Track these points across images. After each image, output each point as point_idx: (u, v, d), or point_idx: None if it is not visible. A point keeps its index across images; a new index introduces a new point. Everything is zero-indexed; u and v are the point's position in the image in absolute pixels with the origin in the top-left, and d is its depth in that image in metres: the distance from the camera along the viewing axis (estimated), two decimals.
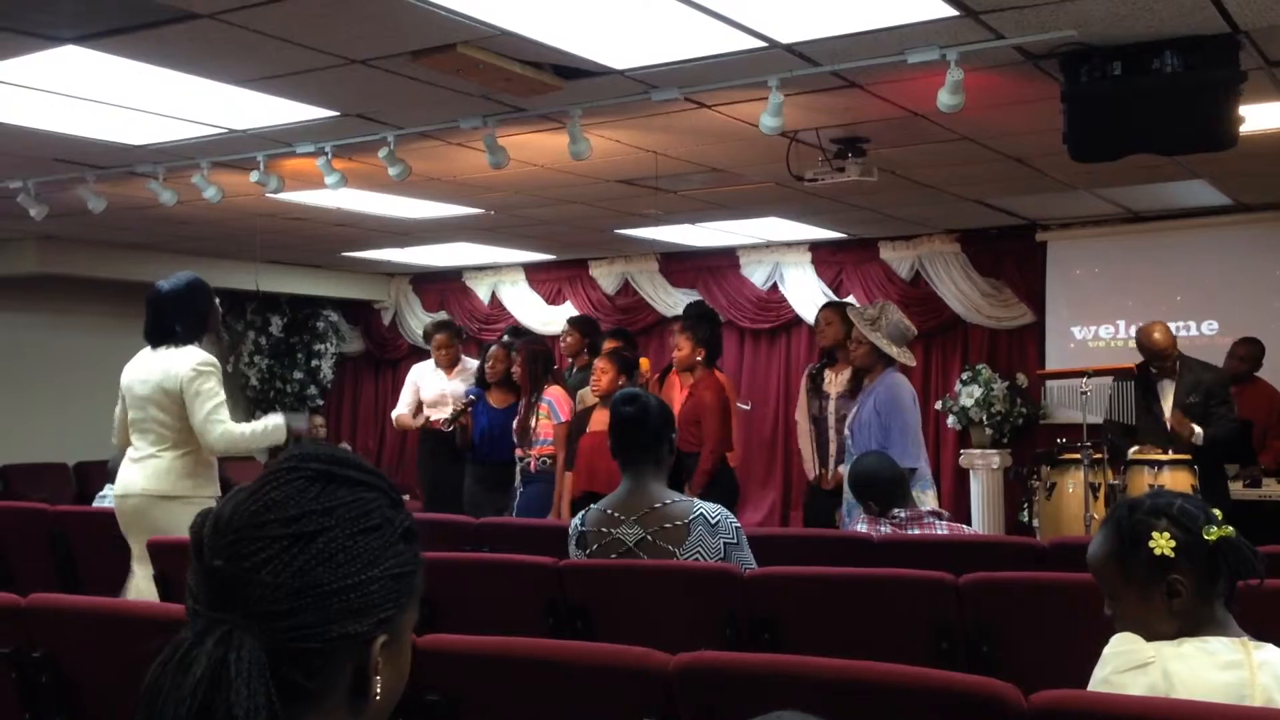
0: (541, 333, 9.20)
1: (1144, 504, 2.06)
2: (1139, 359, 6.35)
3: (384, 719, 1.15)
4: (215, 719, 1.01)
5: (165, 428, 4.40)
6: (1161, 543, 1.98)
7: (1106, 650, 1.99)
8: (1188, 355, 6.29)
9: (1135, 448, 6.09)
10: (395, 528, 1.16)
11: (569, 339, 7.21)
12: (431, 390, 7.33)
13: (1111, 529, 2.07)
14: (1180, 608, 1.98)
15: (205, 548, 1.11)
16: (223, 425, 4.33)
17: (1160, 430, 6.06)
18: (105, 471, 5.50)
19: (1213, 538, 1.98)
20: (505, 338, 7.47)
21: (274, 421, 4.53)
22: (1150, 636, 1.98)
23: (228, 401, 4.47)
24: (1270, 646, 1.96)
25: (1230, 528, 2.00)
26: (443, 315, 7.93)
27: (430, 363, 7.55)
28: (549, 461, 6.28)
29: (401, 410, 7.47)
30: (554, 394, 6.37)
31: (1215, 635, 1.96)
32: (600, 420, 5.83)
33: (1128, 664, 1.93)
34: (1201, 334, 8.32)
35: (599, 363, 6.08)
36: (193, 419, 4.34)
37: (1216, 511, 2.04)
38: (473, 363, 7.41)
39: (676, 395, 6.25)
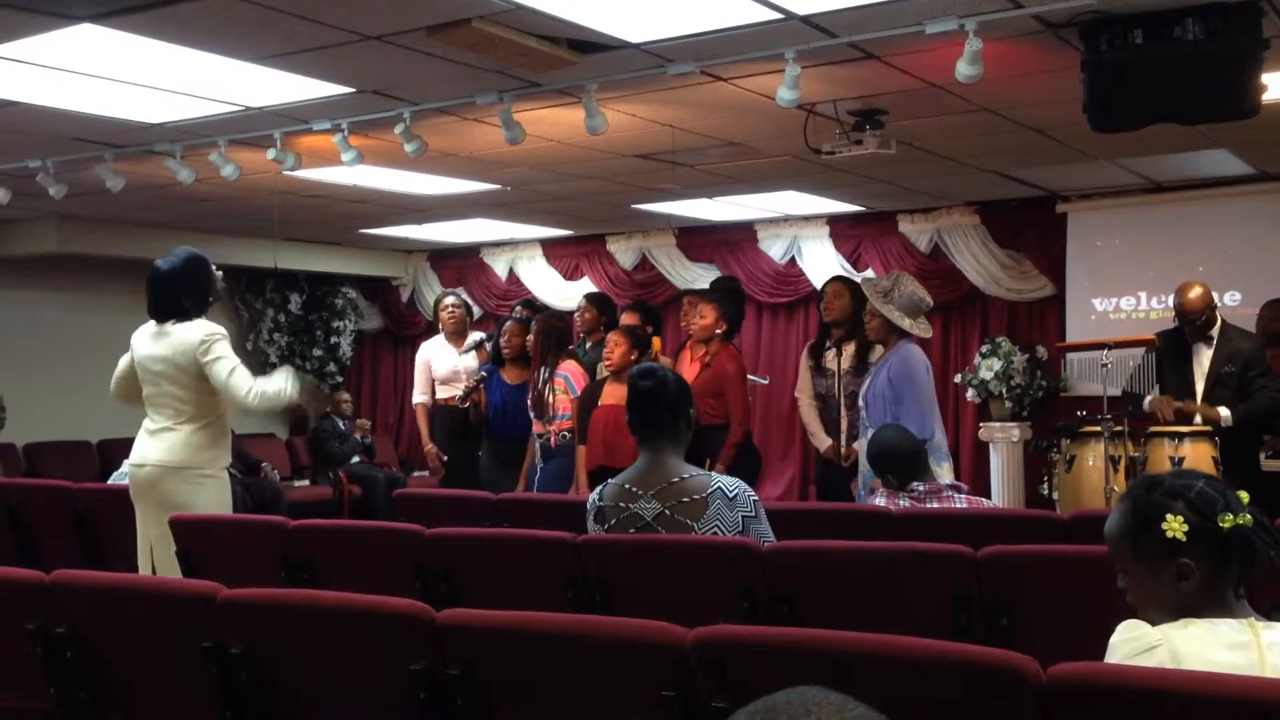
0: (559, 308, 9.20)
1: (1164, 483, 2.02)
2: (1159, 329, 6.29)
3: None
4: None
5: (181, 402, 4.47)
6: (1174, 525, 1.95)
7: (1113, 639, 1.96)
8: (1229, 323, 6.12)
9: (1150, 397, 5.99)
10: None
11: (587, 315, 7.17)
12: (443, 367, 7.33)
13: (1129, 505, 2.05)
14: (1188, 590, 1.95)
15: None
16: (247, 381, 4.41)
17: (1188, 390, 5.97)
18: (129, 448, 5.54)
19: (1227, 525, 1.94)
20: (518, 310, 7.46)
21: (283, 377, 4.58)
22: (1154, 614, 1.97)
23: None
24: (1279, 626, 1.94)
25: (1249, 516, 1.95)
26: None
27: (439, 339, 7.52)
28: (569, 436, 6.32)
29: (420, 398, 7.44)
30: (570, 369, 6.39)
31: (1222, 619, 1.93)
32: (612, 394, 5.86)
33: (1135, 650, 1.92)
34: (1224, 305, 8.23)
35: (612, 336, 6.13)
36: (216, 384, 4.40)
37: (1243, 495, 1.99)
38: (477, 334, 7.43)
39: (686, 370, 6.24)
